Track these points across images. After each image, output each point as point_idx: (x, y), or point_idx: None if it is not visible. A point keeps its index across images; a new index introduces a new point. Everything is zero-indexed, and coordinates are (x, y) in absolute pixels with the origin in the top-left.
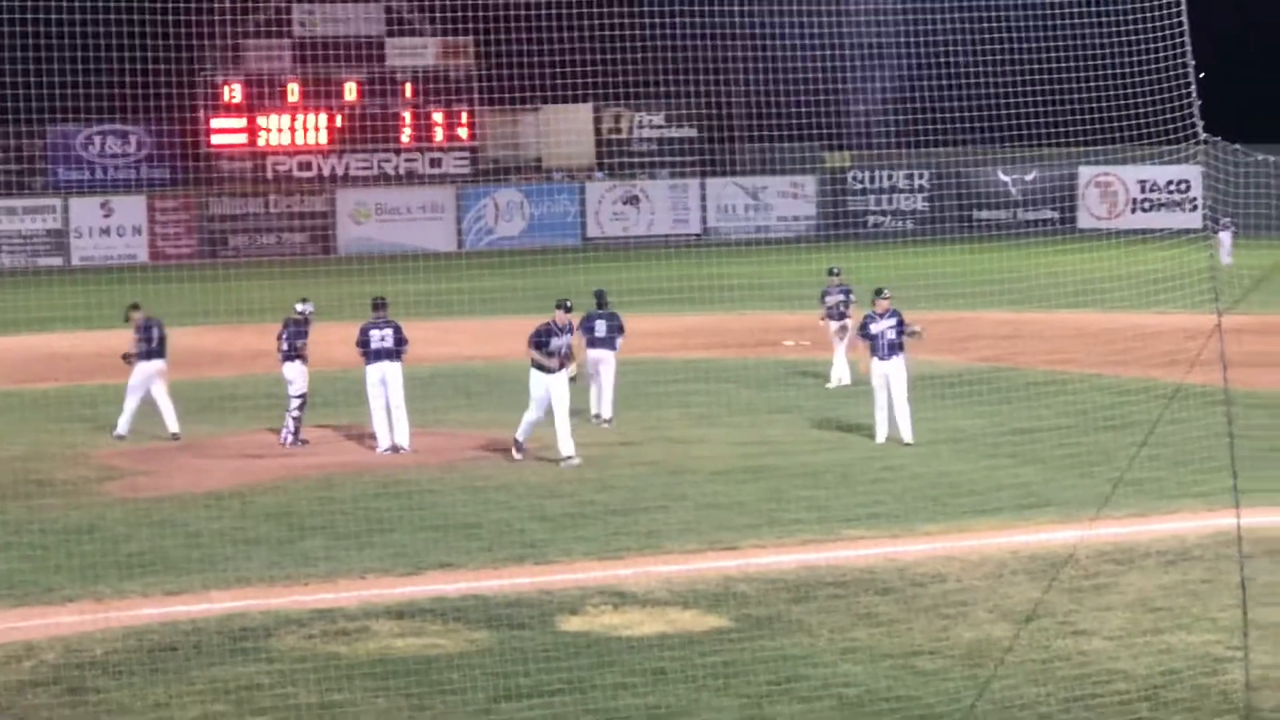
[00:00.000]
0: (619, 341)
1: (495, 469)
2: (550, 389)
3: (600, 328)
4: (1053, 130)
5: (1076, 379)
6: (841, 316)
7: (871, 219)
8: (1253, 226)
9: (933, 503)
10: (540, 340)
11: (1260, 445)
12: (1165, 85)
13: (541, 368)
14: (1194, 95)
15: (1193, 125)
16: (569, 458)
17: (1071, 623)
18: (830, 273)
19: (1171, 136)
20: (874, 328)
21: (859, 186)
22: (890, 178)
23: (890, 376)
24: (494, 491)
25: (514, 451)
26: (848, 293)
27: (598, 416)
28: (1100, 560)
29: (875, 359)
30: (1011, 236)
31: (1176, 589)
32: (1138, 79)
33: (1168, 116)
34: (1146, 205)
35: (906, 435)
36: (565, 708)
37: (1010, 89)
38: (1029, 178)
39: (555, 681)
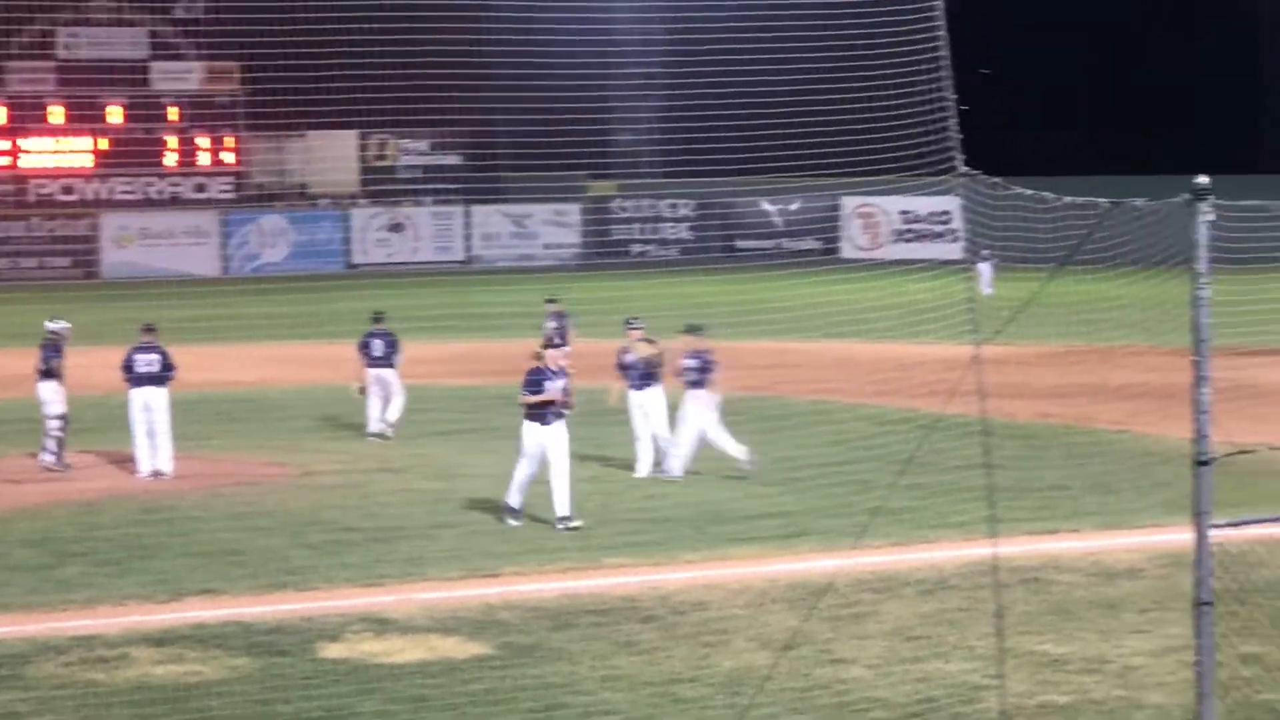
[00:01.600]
0: (397, 359)
1: (258, 495)
2: (545, 443)
3: (378, 347)
4: (815, 161)
5: (838, 408)
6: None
7: (636, 248)
8: (1012, 258)
9: (695, 531)
10: (533, 387)
11: (1017, 475)
12: (926, 118)
13: (536, 418)
14: (953, 128)
15: (951, 157)
16: (567, 518)
17: (830, 651)
18: (547, 301)
19: (931, 168)
20: (628, 358)
21: (623, 215)
22: (654, 207)
23: (647, 407)
24: (257, 518)
25: (508, 518)
26: (562, 318)
27: (380, 434)
28: (859, 589)
29: (631, 390)
30: (775, 266)
31: (934, 618)
32: (899, 111)
33: (927, 148)
34: (908, 236)
35: (675, 470)
36: None
37: (774, 120)
38: (792, 208)
39: (315, 709)
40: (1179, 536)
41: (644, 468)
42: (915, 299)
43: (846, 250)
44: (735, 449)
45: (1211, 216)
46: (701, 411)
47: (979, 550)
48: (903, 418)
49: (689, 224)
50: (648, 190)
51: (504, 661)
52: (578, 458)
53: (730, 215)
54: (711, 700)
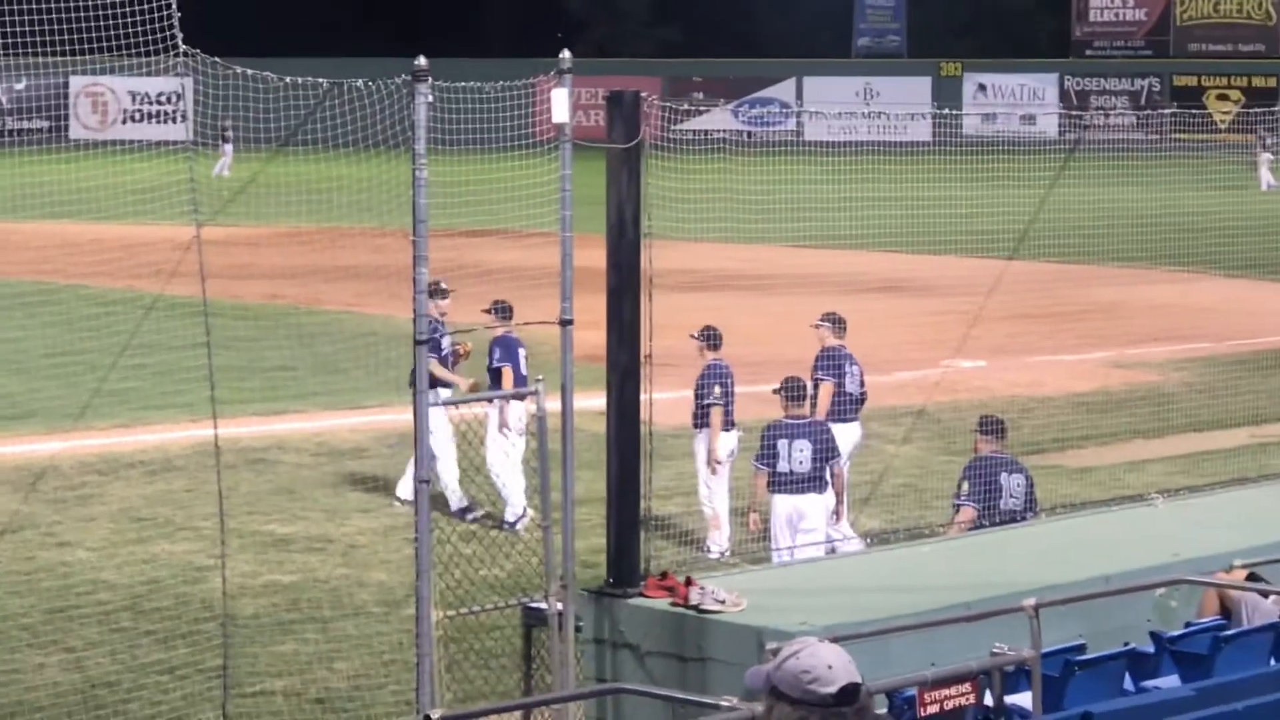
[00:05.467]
0: None
1: None
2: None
3: None
4: (40, 39)
5: (62, 289)
6: None
7: None
8: (246, 140)
9: None
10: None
11: (245, 356)
12: None
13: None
14: (174, 7)
15: (174, 37)
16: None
17: (55, 534)
18: None
19: (153, 48)
20: None
21: None
22: None
23: None
24: None
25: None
26: None
27: None
28: (84, 471)
29: None
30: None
31: (160, 499)
32: None
33: (151, 28)
34: (138, 116)
35: None
36: None
37: None
38: (19, 87)
39: None
40: (404, 416)
41: None
42: (141, 179)
43: (75, 130)
44: None
45: (430, 98)
46: None
47: (205, 431)
48: (124, 298)
49: None
50: None
51: None
52: None
53: None
54: None
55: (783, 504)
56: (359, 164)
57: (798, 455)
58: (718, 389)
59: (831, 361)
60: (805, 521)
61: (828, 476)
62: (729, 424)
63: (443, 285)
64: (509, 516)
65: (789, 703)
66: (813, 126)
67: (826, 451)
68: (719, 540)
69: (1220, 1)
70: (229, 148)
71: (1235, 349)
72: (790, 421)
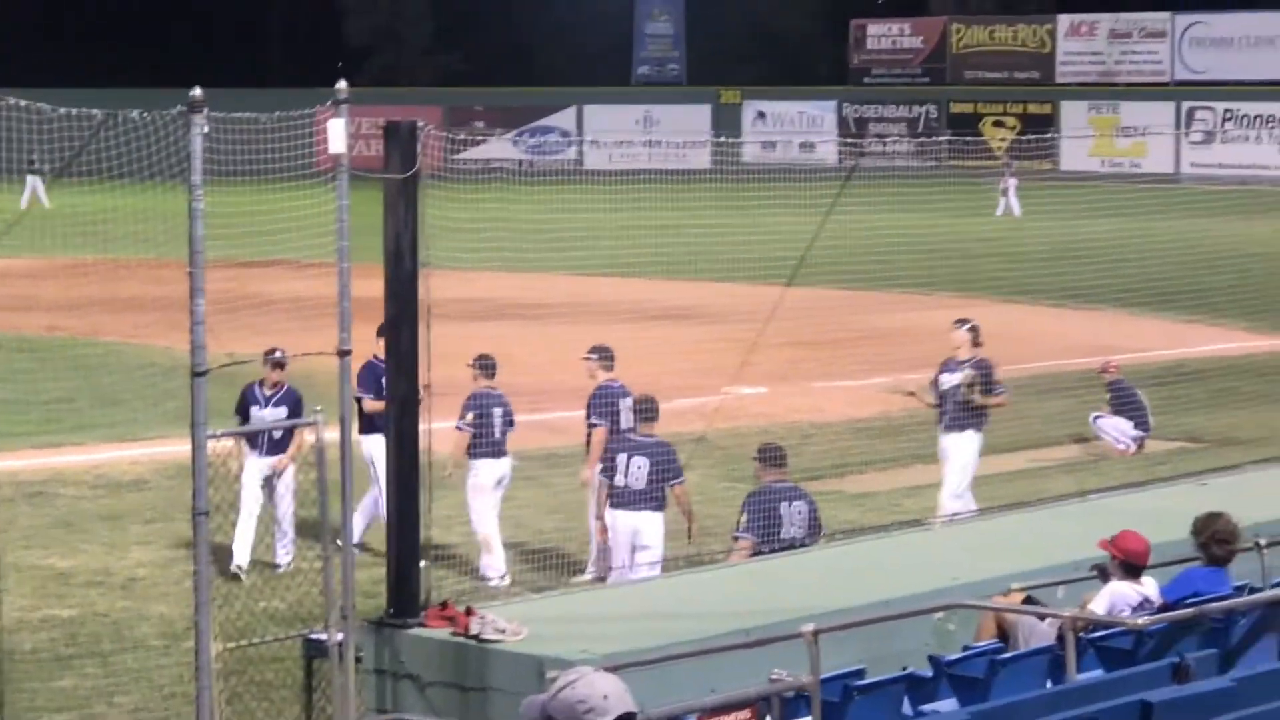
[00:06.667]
0: None
1: None
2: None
3: None
4: None
5: None
6: None
7: None
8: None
9: None
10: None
11: (22, 389)
12: None
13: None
14: None
15: None
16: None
17: None
18: None
19: None
20: None
21: None
22: None
23: None
24: None
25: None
26: None
27: None
28: None
29: None
30: None
31: None
32: None
33: None
34: None
35: None
36: None
37: None
38: None
39: None
40: (182, 447)
41: None
42: None
43: None
44: None
45: (206, 129)
46: None
47: None
48: None
49: None
50: None
51: None
52: None
53: None
54: None
55: (622, 520)
56: (137, 195)
57: (635, 471)
58: (470, 415)
59: (604, 403)
60: (642, 539)
61: (665, 495)
62: (500, 451)
63: None
64: (283, 558)
65: None
66: (593, 155)
67: (664, 470)
68: (493, 565)
69: (996, 29)
70: (37, 180)
71: (1013, 373)
72: (634, 437)
